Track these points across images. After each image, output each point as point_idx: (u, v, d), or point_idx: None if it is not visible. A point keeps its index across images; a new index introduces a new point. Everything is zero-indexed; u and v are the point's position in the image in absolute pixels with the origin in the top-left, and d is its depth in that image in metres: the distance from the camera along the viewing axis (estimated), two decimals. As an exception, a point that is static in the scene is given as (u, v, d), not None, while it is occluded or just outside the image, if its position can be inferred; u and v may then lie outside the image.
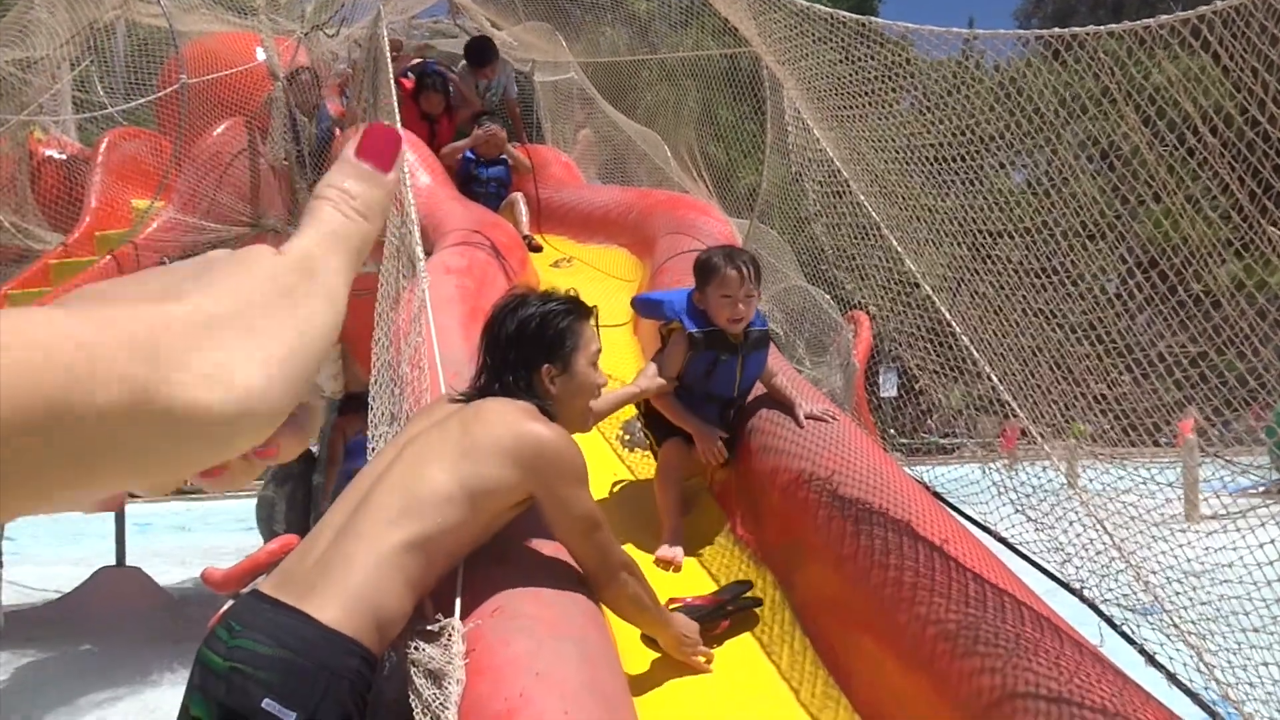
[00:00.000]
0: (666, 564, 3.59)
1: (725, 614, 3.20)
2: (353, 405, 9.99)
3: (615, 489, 4.14)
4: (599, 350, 2.95)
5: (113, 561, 11.71)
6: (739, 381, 3.85)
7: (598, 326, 2.99)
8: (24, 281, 7.42)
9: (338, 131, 7.71)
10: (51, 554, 14.24)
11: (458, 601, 2.62)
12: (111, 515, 12.18)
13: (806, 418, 3.78)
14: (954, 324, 4.01)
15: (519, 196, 7.39)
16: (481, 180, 7.49)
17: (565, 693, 2.29)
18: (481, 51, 8.44)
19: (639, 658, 3.08)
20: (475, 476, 2.54)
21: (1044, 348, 3.44)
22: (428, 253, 5.52)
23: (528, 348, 2.79)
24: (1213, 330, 2.79)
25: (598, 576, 2.76)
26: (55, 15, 8.27)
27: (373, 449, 3.64)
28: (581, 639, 2.54)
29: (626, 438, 4.45)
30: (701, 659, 3.04)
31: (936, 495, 3.66)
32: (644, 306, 4.29)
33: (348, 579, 2.35)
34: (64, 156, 8.54)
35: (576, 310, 2.88)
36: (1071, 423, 3.51)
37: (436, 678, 2.45)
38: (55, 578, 11.98)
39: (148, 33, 8.68)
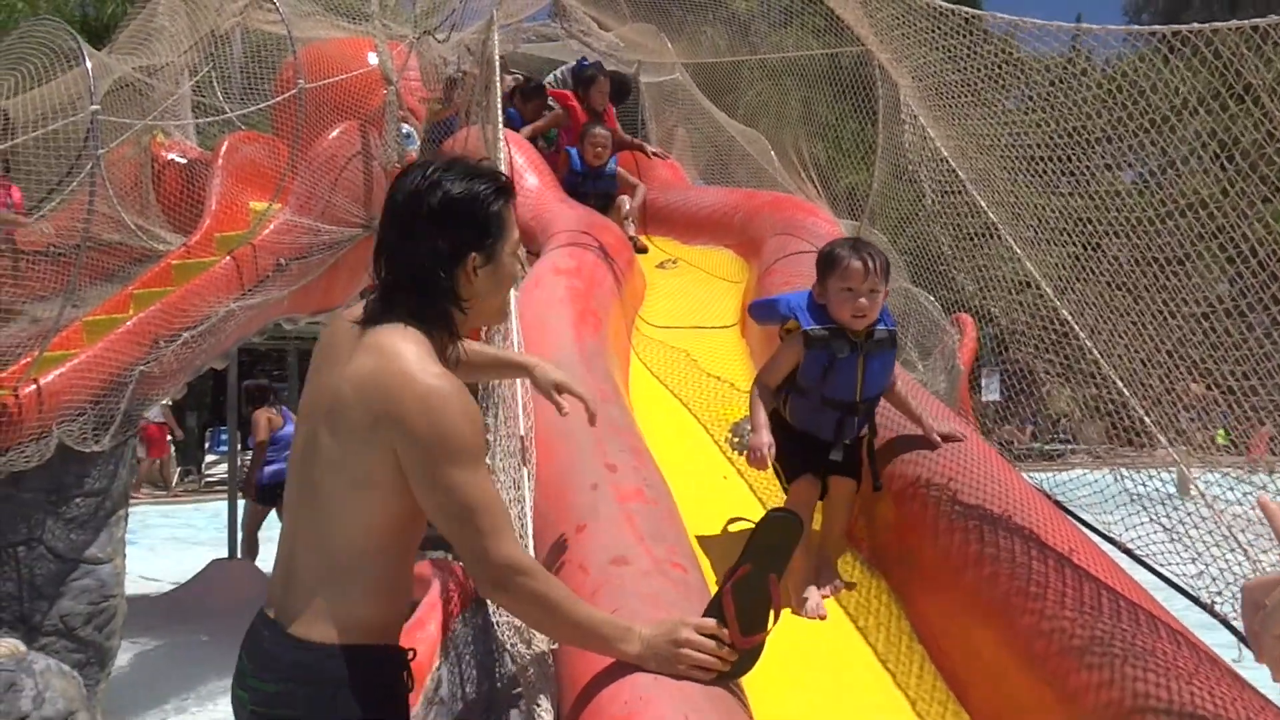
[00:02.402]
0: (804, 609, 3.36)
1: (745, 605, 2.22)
2: (259, 399, 10.04)
3: (725, 496, 4.11)
4: (519, 239, 2.47)
5: (225, 554, 12.08)
6: (861, 386, 3.52)
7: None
8: (147, 281, 7.65)
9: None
10: (169, 546, 14.74)
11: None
12: (224, 509, 12.58)
13: (942, 438, 3.61)
14: (1074, 324, 3.92)
15: (625, 199, 7.40)
16: (586, 196, 7.47)
17: (685, 697, 2.28)
18: (623, 91, 8.63)
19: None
20: (361, 482, 2.13)
21: (1157, 350, 3.34)
22: (535, 254, 5.59)
23: (455, 232, 2.28)
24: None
25: (478, 577, 2.22)
26: (176, 23, 8.56)
27: (491, 455, 3.67)
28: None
29: (736, 440, 4.41)
30: (717, 665, 2.24)
31: (1059, 504, 3.57)
32: (759, 310, 4.05)
33: (314, 595, 2.17)
34: (185, 160, 8.82)
35: (506, 190, 2.38)
36: (1217, 430, 3.39)
37: (527, 674, 2.49)
38: (172, 569, 12.39)
39: (262, 39, 8.93)
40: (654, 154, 8.83)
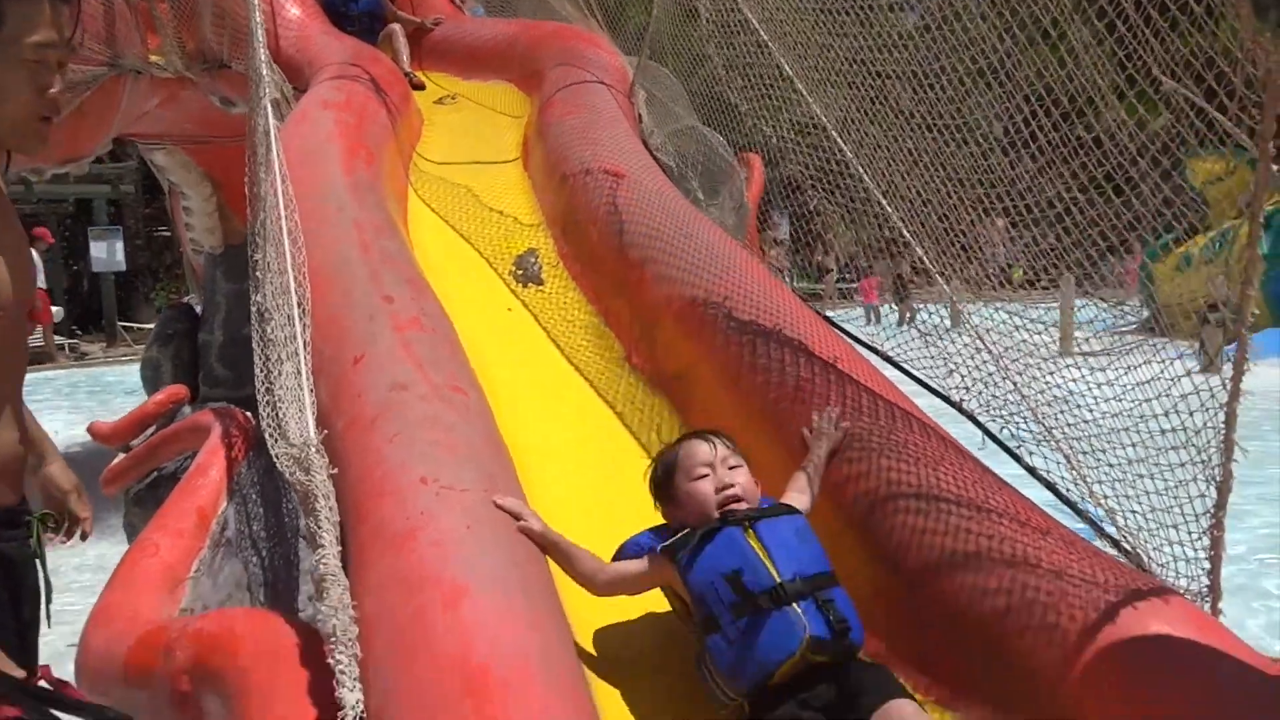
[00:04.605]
0: None
1: None
2: None
3: (509, 328, 4.10)
4: (64, 41, 1.99)
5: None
6: (772, 560, 2.40)
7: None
8: None
9: None
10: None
11: (311, 419, 2.61)
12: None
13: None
14: (855, 163, 4.05)
15: (397, 29, 7.08)
16: (351, 17, 7.13)
17: (467, 508, 2.33)
18: None
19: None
20: None
21: (935, 191, 3.50)
22: (301, 90, 5.30)
23: None
24: (1094, 166, 2.85)
25: None
26: None
27: (256, 303, 3.51)
28: (480, 460, 2.58)
29: (520, 273, 4.39)
30: None
31: (827, 319, 3.74)
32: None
33: None
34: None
35: None
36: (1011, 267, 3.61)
37: (309, 501, 2.48)
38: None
39: None
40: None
